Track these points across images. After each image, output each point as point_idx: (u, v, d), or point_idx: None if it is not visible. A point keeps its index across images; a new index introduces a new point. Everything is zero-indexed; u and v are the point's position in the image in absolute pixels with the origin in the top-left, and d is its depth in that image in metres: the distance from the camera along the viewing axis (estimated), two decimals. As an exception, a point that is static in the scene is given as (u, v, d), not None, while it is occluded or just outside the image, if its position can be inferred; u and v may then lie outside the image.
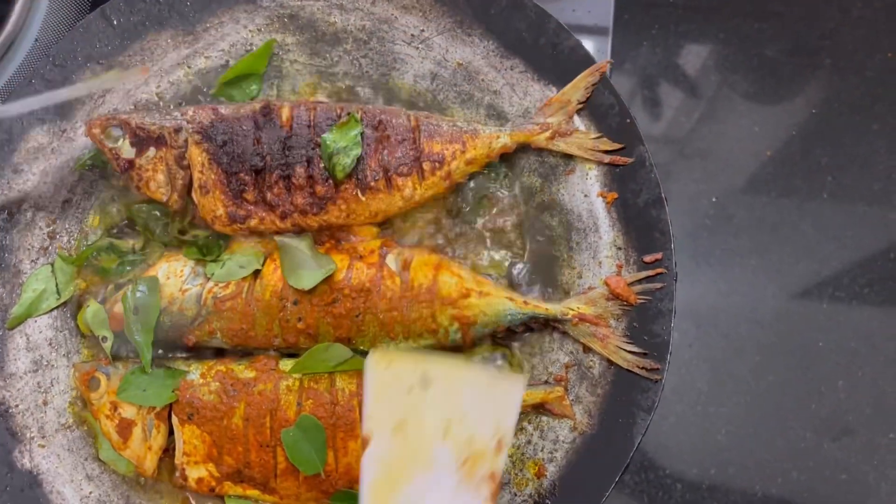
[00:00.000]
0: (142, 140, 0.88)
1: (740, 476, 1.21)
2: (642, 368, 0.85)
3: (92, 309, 0.88)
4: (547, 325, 0.89)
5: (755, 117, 1.38)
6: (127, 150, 0.88)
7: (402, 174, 0.88)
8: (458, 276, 0.87)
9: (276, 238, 0.89)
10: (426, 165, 0.89)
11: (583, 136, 0.91)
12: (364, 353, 0.85)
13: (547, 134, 0.91)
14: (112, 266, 0.91)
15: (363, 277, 0.86)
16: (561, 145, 0.91)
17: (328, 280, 0.85)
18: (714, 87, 1.41)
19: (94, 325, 0.87)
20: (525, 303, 0.87)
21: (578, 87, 0.91)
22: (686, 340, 1.28)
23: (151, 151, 0.88)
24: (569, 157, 0.92)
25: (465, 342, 0.87)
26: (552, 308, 0.87)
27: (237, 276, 0.87)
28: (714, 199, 1.34)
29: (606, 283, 0.87)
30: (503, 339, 0.90)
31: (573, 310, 0.87)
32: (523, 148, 0.92)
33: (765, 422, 1.25)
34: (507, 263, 0.92)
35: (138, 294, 0.86)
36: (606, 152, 0.90)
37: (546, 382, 0.87)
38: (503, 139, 0.90)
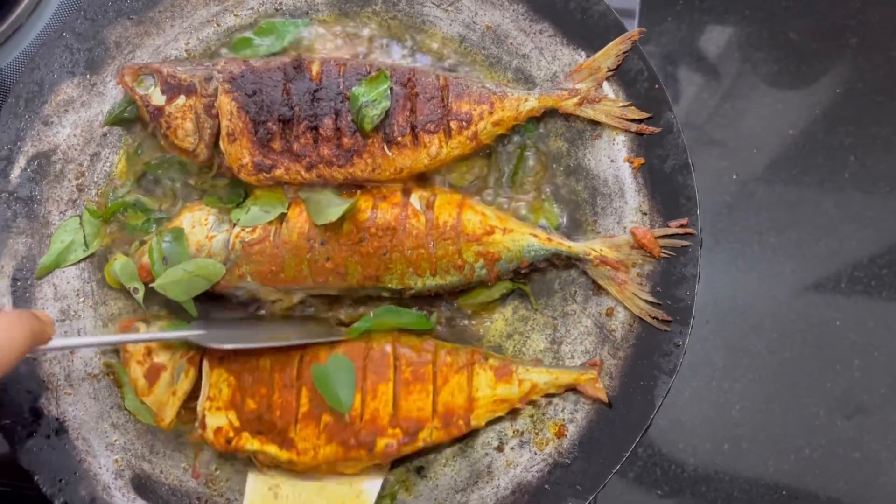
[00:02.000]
0: (172, 88, 0.89)
1: (753, 452, 1.21)
2: (654, 318, 0.86)
3: (120, 261, 0.89)
4: (569, 263, 0.90)
5: (778, 96, 1.37)
6: (157, 97, 0.89)
7: (429, 131, 0.89)
8: (482, 213, 0.88)
9: (301, 192, 0.89)
10: (453, 124, 0.89)
11: (611, 104, 0.91)
12: (392, 291, 0.88)
13: (575, 100, 0.91)
14: (138, 223, 0.92)
15: (388, 216, 0.87)
16: (588, 112, 0.91)
17: (354, 220, 0.86)
18: (737, 66, 1.40)
19: (123, 277, 0.88)
20: (549, 239, 0.88)
21: (609, 55, 0.91)
22: (703, 316, 1.28)
23: (181, 99, 0.89)
24: (596, 122, 0.92)
25: (490, 278, 0.88)
26: (575, 246, 0.88)
27: (263, 221, 0.87)
28: (735, 177, 1.34)
29: (633, 233, 0.87)
30: (526, 275, 0.91)
31: (596, 251, 0.88)
32: (550, 112, 0.92)
33: (779, 399, 1.25)
34: (558, 212, 0.92)
35: (165, 244, 0.87)
36: (634, 121, 0.90)
37: (581, 365, 0.88)
38: (531, 102, 0.91)
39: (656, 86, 0.90)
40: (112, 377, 0.88)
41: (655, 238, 0.87)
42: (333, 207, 0.86)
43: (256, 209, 0.88)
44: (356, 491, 0.84)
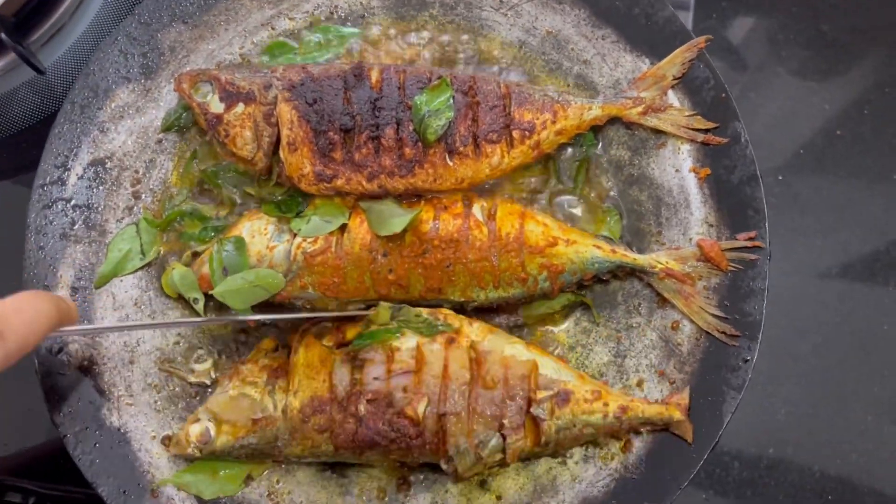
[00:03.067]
0: (231, 95, 0.87)
1: (799, 455, 1.21)
2: (722, 333, 0.85)
3: (179, 271, 0.88)
4: (633, 275, 0.89)
5: (825, 96, 1.36)
6: (215, 104, 0.88)
7: (491, 141, 0.87)
8: (544, 224, 0.87)
9: (361, 203, 0.88)
10: (516, 134, 0.88)
11: (676, 113, 0.89)
12: (454, 304, 0.87)
13: (640, 109, 0.89)
14: (195, 231, 0.91)
15: (450, 228, 0.85)
16: (653, 121, 0.90)
17: (416, 232, 0.85)
18: (784, 61, 1.39)
19: (183, 287, 0.87)
20: (613, 251, 0.87)
21: (675, 63, 0.89)
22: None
23: (240, 107, 0.87)
24: (660, 131, 0.90)
25: (553, 291, 0.87)
26: (640, 258, 0.87)
27: (324, 231, 0.86)
28: (779, 178, 1.33)
29: (700, 245, 0.86)
30: (588, 286, 0.90)
31: (661, 263, 0.87)
32: (612, 120, 0.91)
33: (825, 402, 1.25)
34: (620, 224, 0.91)
35: (225, 254, 0.86)
36: (700, 131, 0.89)
37: (663, 402, 0.85)
38: (595, 111, 0.89)
39: (723, 94, 0.88)
40: (172, 387, 0.88)
41: (723, 251, 0.85)
42: (396, 219, 0.85)
43: (317, 219, 0.87)
44: None
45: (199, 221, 0.91)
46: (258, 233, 0.88)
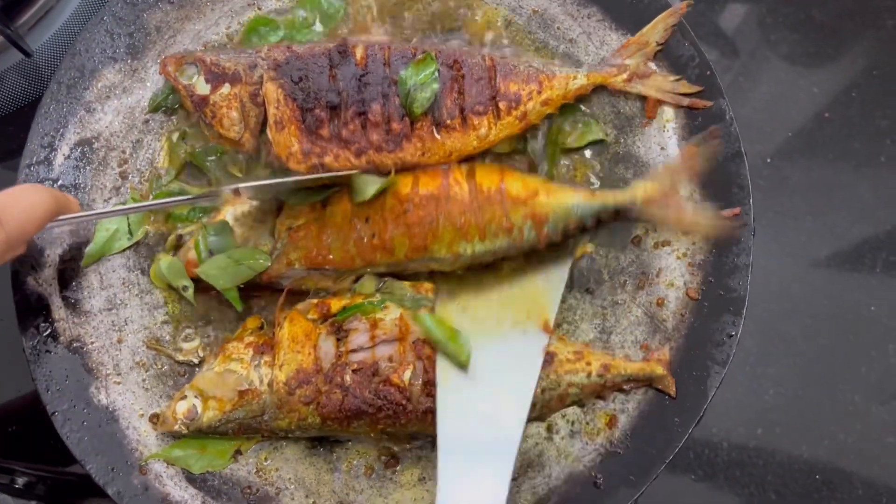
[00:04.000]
0: (216, 76, 0.88)
1: (787, 437, 1.21)
2: (728, 220, 0.86)
3: (165, 261, 0.88)
4: (618, 215, 0.89)
5: (814, 78, 1.36)
6: (201, 86, 0.88)
7: (477, 113, 0.88)
8: (523, 178, 0.87)
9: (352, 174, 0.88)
10: (502, 105, 0.88)
11: (661, 79, 0.90)
12: (442, 262, 0.87)
13: (624, 76, 0.90)
14: (182, 212, 0.91)
15: (430, 187, 0.86)
16: (638, 87, 0.90)
17: (396, 195, 0.85)
18: (774, 46, 1.39)
19: (171, 276, 0.87)
20: (592, 194, 0.87)
21: (657, 28, 0.90)
22: (736, 301, 1.26)
23: (226, 88, 0.88)
24: (644, 104, 0.90)
25: (539, 241, 0.87)
26: (620, 195, 0.87)
27: (304, 203, 0.87)
28: (769, 161, 1.33)
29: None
30: (577, 235, 0.90)
31: (640, 190, 0.87)
32: (598, 99, 0.91)
33: (813, 384, 1.25)
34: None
35: (210, 238, 0.86)
36: (685, 95, 0.89)
37: (644, 360, 0.86)
38: (580, 80, 0.89)
39: (708, 72, 0.89)
40: (160, 366, 0.88)
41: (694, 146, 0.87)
42: (371, 186, 0.85)
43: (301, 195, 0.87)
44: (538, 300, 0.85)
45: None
46: (242, 215, 0.88)
